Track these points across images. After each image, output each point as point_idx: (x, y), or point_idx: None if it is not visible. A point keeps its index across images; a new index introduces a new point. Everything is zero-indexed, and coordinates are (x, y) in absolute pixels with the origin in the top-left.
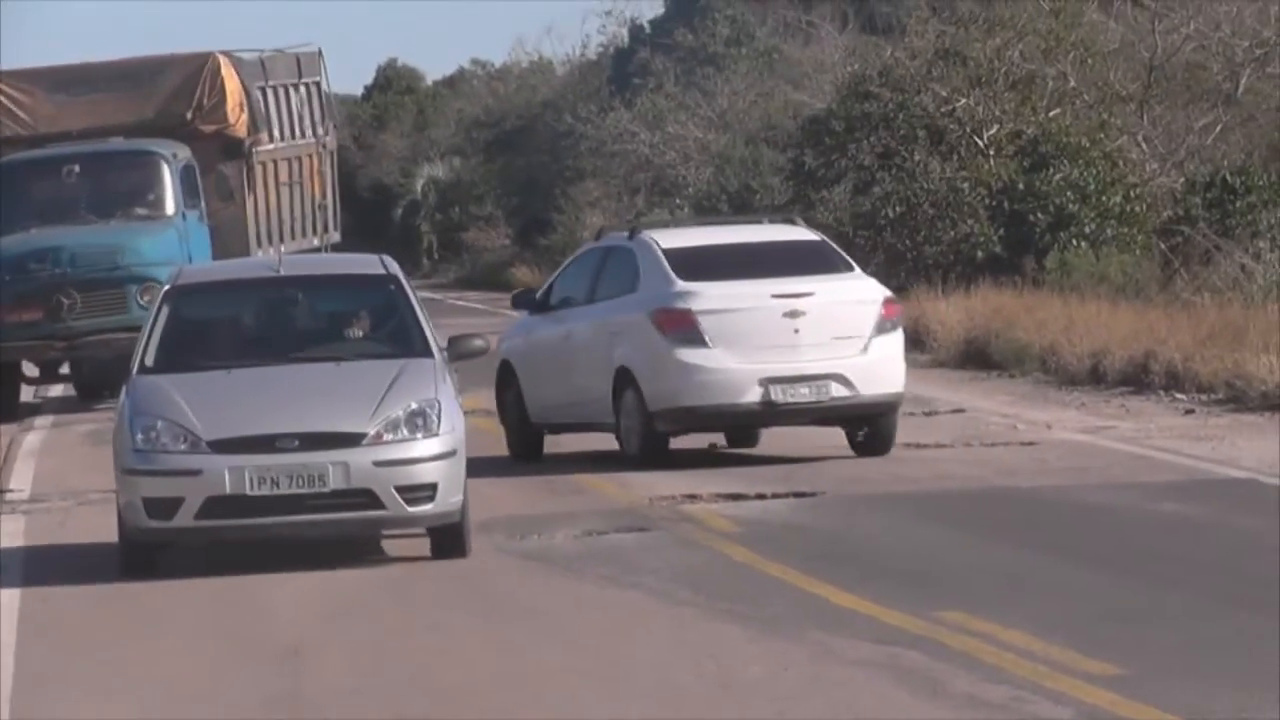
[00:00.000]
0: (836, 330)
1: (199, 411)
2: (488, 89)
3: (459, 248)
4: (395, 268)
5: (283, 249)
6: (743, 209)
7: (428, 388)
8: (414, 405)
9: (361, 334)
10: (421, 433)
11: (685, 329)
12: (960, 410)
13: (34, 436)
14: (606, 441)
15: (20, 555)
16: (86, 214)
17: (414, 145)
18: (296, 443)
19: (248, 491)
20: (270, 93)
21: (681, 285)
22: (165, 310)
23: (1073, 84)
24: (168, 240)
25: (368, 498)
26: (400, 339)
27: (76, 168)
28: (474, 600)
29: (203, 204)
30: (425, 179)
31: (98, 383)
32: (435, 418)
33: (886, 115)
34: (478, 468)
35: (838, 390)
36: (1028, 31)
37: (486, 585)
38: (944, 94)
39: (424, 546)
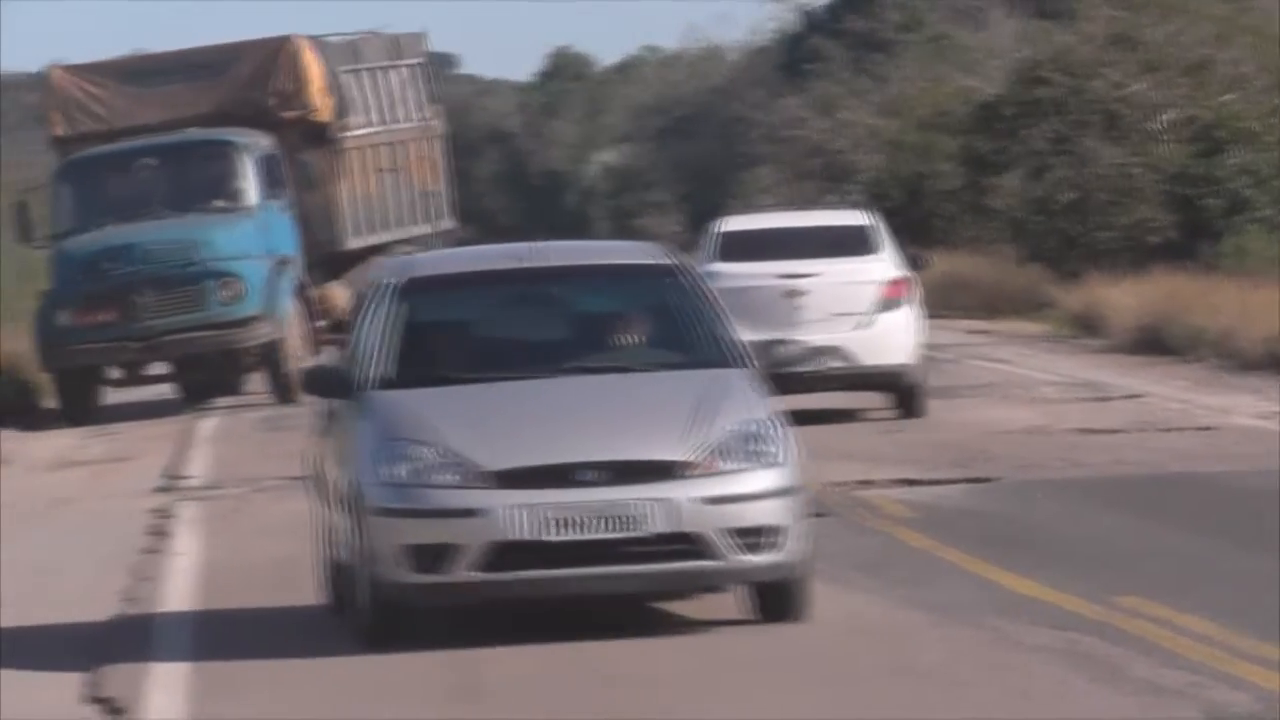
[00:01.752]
0: (837, 308)
1: (471, 436)
2: (658, 76)
3: (632, 235)
4: (679, 256)
5: (385, 237)
6: (915, 195)
7: (755, 405)
8: (742, 427)
9: (643, 338)
10: (757, 461)
11: None
12: (1135, 396)
13: (208, 423)
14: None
15: (199, 543)
16: (161, 209)
17: (585, 132)
18: (601, 474)
19: (545, 536)
20: (365, 76)
21: (710, 266)
22: (403, 310)
23: (1246, 69)
24: (245, 232)
25: (695, 544)
26: (699, 344)
27: (150, 161)
28: None
29: (288, 194)
30: (597, 165)
31: (204, 382)
32: (772, 442)
33: (1059, 101)
34: None
35: (834, 361)
36: (1201, 16)
37: None
38: (1117, 79)
39: (719, 605)
